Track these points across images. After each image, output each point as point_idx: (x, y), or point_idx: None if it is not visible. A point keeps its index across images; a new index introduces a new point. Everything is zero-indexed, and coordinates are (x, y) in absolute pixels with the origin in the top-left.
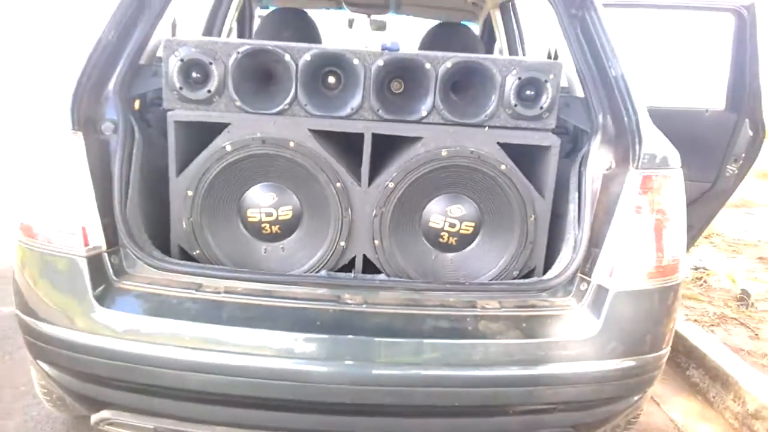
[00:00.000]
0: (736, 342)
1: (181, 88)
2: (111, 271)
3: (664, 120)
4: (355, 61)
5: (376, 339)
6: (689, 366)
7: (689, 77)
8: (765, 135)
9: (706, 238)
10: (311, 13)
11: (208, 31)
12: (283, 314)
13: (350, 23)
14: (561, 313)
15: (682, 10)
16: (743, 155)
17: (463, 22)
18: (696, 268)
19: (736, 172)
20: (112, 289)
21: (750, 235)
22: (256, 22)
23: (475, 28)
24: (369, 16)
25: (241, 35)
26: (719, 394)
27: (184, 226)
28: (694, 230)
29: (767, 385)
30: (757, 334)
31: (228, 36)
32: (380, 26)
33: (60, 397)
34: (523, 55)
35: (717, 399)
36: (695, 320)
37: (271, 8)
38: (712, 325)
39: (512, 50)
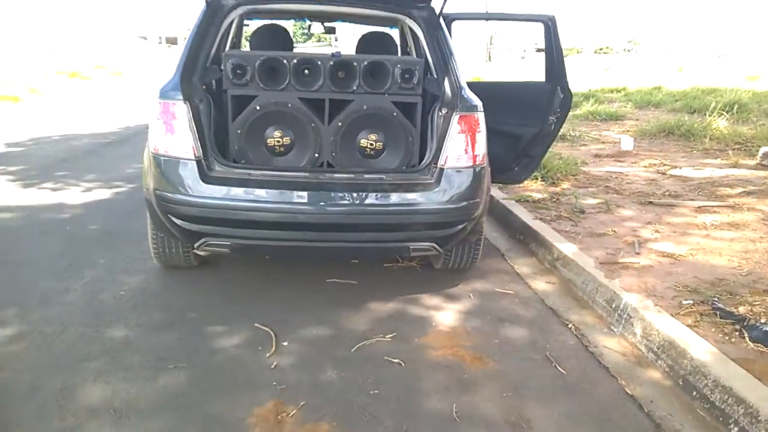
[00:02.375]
0: (562, 228)
1: (231, 78)
2: (205, 167)
3: (512, 88)
4: (319, 62)
5: (332, 193)
6: (529, 242)
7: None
8: (572, 97)
9: (573, 175)
10: (283, 23)
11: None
12: (289, 183)
13: (309, 28)
14: (423, 182)
15: (512, 21)
16: (558, 110)
17: (386, 29)
18: (554, 193)
19: (555, 121)
20: (206, 176)
21: (610, 173)
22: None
23: (395, 32)
24: (323, 23)
25: (235, 44)
26: (542, 252)
27: (236, 147)
28: (536, 160)
29: (565, 243)
30: (576, 225)
31: (228, 43)
32: (330, 30)
33: (165, 251)
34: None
35: (540, 255)
36: (541, 219)
37: (258, 22)
38: (552, 220)
39: (417, 48)
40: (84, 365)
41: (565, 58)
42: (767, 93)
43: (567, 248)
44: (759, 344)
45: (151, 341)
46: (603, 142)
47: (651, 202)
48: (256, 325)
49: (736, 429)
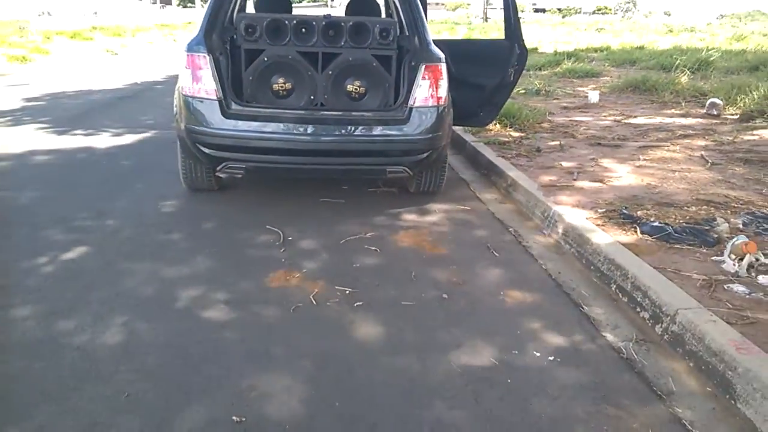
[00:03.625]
0: (519, 163)
1: (244, 35)
2: (224, 105)
3: (477, 45)
4: (314, 22)
5: (324, 126)
6: (491, 174)
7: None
8: (527, 52)
9: (539, 123)
10: None
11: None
12: (290, 118)
13: None
14: (397, 118)
15: None
16: (516, 64)
17: None
18: (519, 138)
19: (513, 72)
20: (225, 112)
21: (572, 122)
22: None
23: None
24: None
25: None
26: (500, 181)
27: (248, 91)
28: (498, 106)
29: (517, 172)
30: (531, 160)
31: (237, 7)
32: None
33: (193, 175)
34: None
35: (498, 183)
36: (502, 156)
37: None
38: (512, 158)
39: (391, 13)
40: (137, 252)
41: (521, 19)
42: (740, 52)
43: (518, 176)
44: (646, 235)
45: (187, 238)
46: (574, 97)
47: (600, 144)
48: (267, 227)
49: (614, 286)
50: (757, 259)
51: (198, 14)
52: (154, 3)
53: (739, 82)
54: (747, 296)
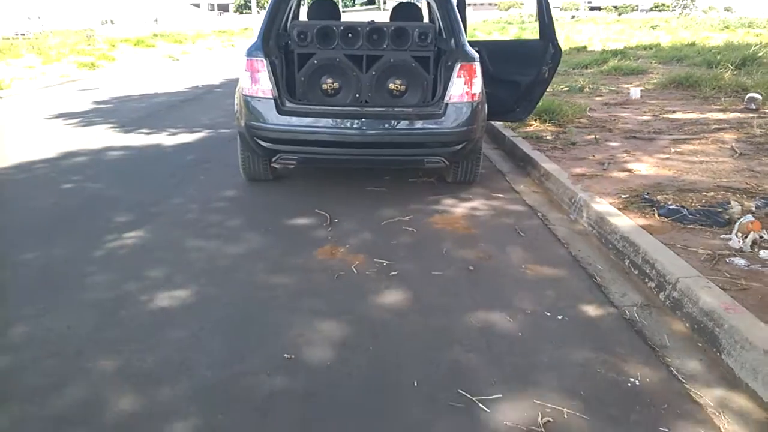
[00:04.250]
0: (553, 155)
1: (297, 41)
2: (279, 104)
3: (514, 45)
4: (359, 28)
5: (369, 121)
6: (526, 166)
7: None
8: (561, 51)
9: (579, 119)
10: None
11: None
12: (338, 114)
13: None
14: (434, 113)
15: None
16: (550, 62)
17: (414, 0)
18: (557, 132)
19: (548, 70)
20: (280, 109)
21: (611, 116)
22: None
23: (421, 2)
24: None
25: (296, 15)
26: (534, 172)
27: (300, 90)
28: (534, 102)
29: (550, 164)
30: (565, 153)
31: (290, 15)
32: (371, 1)
33: (251, 167)
34: (438, 17)
35: (532, 174)
36: (538, 149)
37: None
38: (547, 150)
39: (433, 19)
40: (201, 231)
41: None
42: None
43: (551, 167)
44: (662, 217)
45: (245, 219)
46: (617, 93)
47: (634, 137)
48: (316, 210)
49: (627, 261)
50: (762, 237)
51: (254, 20)
52: (212, 10)
53: None
54: (745, 268)
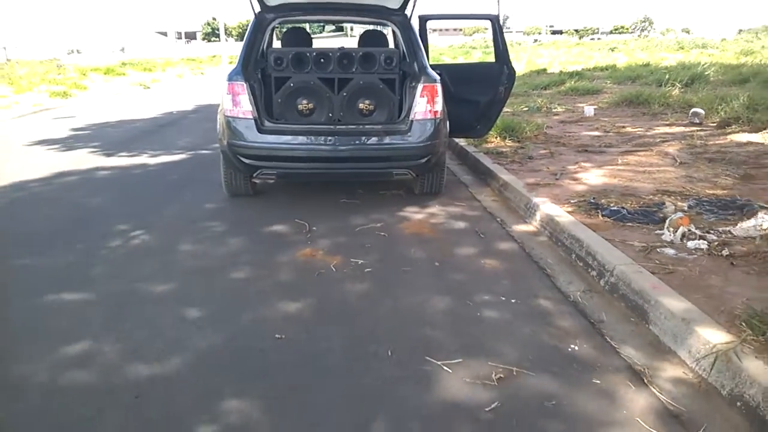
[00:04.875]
0: (511, 168)
1: (273, 66)
2: (259, 123)
3: (473, 68)
4: (330, 54)
5: (341, 137)
6: (487, 178)
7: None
8: (515, 72)
9: (536, 135)
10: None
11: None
12: (313, 132)
13: (322, 29)
14: (400, 129)
15: (467, 19)
16: (506, 82)
17: (379, 28)
18: (516, 147)
19: (504, 89)
20: (260, 129)
21: (566, 133)
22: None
23: (387, 29)
24: (334, 24)
25: (270, 42)
26: (493, 183)
27: (278, 111)
28: (492, 119)
29: (508, 175)
30: (522, 165)
31: (266, 43)
32: (339, 29)
33: (233, 183)
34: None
35: (492, 185)
36: (498, 163)
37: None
38: (506, 164)
39: (398, 44)
40: (190, 236)
41: (506, 44)
42: (737, 66)
43: (509, 178)
44: (606, 217)
45: (230, 227)
46: (572, 112)
47: (586, 150)
48: (295, 220)
49: (573, 255)
50: (690, 230)
51: (222, 48)
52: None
53: (725, 93)
54: (674, 256)
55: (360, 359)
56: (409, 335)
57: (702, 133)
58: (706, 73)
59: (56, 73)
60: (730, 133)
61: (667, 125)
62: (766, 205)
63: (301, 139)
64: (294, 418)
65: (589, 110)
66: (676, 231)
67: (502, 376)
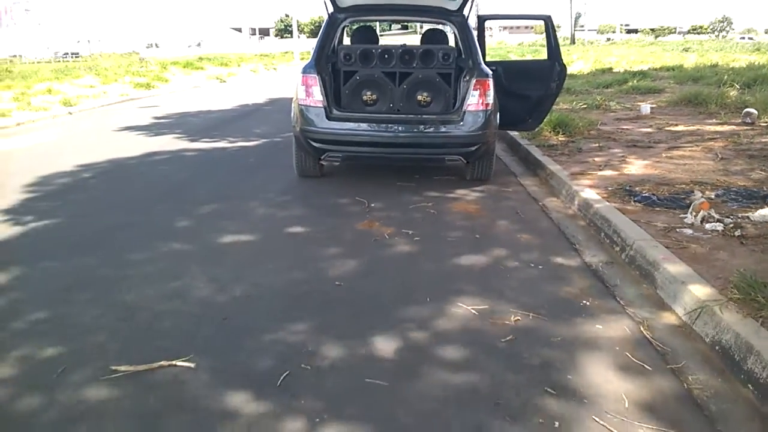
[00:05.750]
0: (559, 159)
1: (342, 61)
2: (328, 111)
3: (526, 64)
4: (393, 50)
5: (401, 126)
6: (536, 169)
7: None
8: (566, 68)
9: (589, 131)
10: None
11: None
12: (376, 120)
13: (390, 27)
14: (454, 119)
15: (521, 20)
16: (557, 78)
17: (441, 27)
18: (567, 141)
19: (555, 85)
20: (329, 116)
21: (619, 129)
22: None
23: (447, 28)
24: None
25: (341, 39)
26: (541, 172)
27: (345, 101)
28: (544, 113)
29: (555, 166)
30: (570, 158)
31: (339, 40)
32: (405, 26)
33: (304, 164)
34: (458, 40)
35: (540, 174)
36: (547, 155)
37: (356, 26)
38: (554, 156)
39: (456, 42)
40: (265, 204)
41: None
42: None
43: (555, 168)
44: (638, 203)
45: (299, 202)
46: (630, 110)
47: (635, 145)
48: (356, 198)
49: (602, 234)
50: (709, 214)
51: (294, 44)
52: (253, 34)
53: None
54: (690, 235)
55: (403, 302)
56: (445, 287)
57: (751, 132)
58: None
59: (139, 66)
60: None
61: (719, 124)
62: None
63: (365, 126)
64: (345, 340)
65: (645, 108)
66: (697, 215)
67: (519, 318)
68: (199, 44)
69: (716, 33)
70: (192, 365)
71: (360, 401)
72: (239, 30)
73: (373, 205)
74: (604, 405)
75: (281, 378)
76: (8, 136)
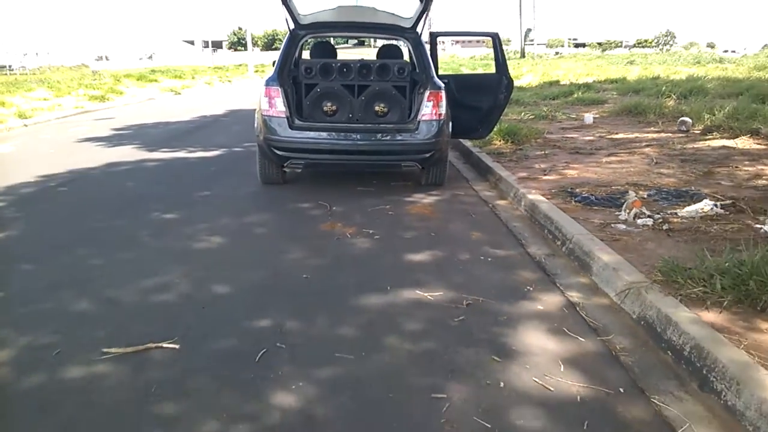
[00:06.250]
0: (508, 165)
1: (304, 74)
2: (290, 121)
3: (476, 77)
4: (351, 65)
5: (360, 134)
6: (486, 174)
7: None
8: (513, 82)
9: (535, 139)
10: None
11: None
12: (336, 129)
13: (346, 41)
14: (409, 128)
15: (470, 36)
16: (504, 91)
17: (395, 42)
18: (515, 149)
19: (503, 96)
20: (291, 126)
21: (564, 138)
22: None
23: (401, 44)
24: (356, 41)
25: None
26: (491, 177)
27: (307, 112)
28: (493, 122)
29: (504, 171)
30: (517, 164)
31: (299, 55)
32: (361, 43)
33: (267, 171)
34: (412, 55)
35: (490, 179)
36: (497, 161)
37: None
38: (503, 162)
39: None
40: (229, 210)
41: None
42: (738, 80)
43: (504, 173)
44: (578, 203)
45: (264, 205)
46: (575, 120)
47: (577, 152)
48: (319, 202)
49: (546, 231)
50: (641, 211)
51: (248, 57)
52: (206, 47)
53: (716, 104)
54: (623, 230)
55: (366, 291)
56: (404, 278)
57: (685, 138)
58: (708, 86)
59: (92, 79)
60: (709, 139)
61: (657, 132)
62: (711, 195)
63: (325, 135)
64: (315, 323)
65: (588, 118)
66: (630, 212)
67: (470, 302)
68: (150, 57)
69: (660, 46)
70: (177, 346)
71: (330, 371)
72: (192, 42)
73: (334, 208)
74: (543, 369)
75: (259, 355)
76: None
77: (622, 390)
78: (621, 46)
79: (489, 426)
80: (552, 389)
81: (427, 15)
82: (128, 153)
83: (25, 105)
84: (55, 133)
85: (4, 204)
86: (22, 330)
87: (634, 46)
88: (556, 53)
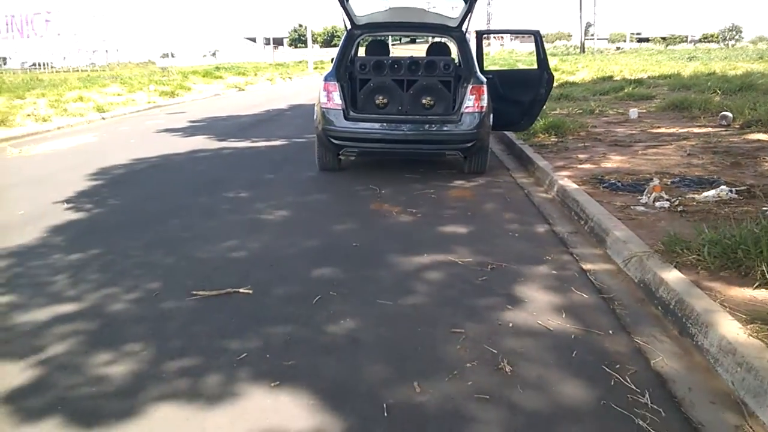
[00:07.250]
0: (547, 156)
1: (358, 70)
2: (346, 113)
3: (519, 72)
4: (402, 61)
5: (408, 125)
6: (526, 164)
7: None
8: (553, 77)
9: (578, 132)
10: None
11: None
12: (387, 120)
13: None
14: (453, 119)
15: (512, 34)
16: (545, 84)
17: (443, 40)
18: (557, 141)
19: (544, 91)
20: (346, 117)
21: (606, 131)
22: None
23: (449, 41)
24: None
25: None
26: (530, 167)
27: (361, 104)
28: (534, 115)
29: (542, 161)
30: (556, 155)
31: (356, 52)
32: (412, 41)
33: (324, 159)
34: (460, 55)
35: (529, 168)
36: (537, 152)
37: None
38: (543, 153)
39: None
40: (292, 190)
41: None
42: None
43: (542, 162)
44: (606, 189)
45: (321, 188)
46: (621, 115)
47: (617, 144)
48: (369, 186)
49: (572, 213)
50: (660, 195)
51: (308, 54)
52: (267, 44)
53: (761, 100)
54: (641, 211)
55: (407, 257)
56: (439, 246)
57: (724, 132)
58: (759, 82)
59: (161, 75)
60: (747, 133)
61: (698, 127)
62: (730, 182)
63: (377, 125)
64: (361, 278)
65: (634, 113)
66: (651, 196)
67: (494, 266)
68: (214, 54)
69: (726, 41)
70: (250, 291)
71: (372, 311)
72: (253, 40)
73: (383, 191)
74: (547, 315)
75: (315, 299)
76: (53, 138)
77: (611, 332)
78: (686, 41)
79: (495, 351)
80: (551, 329)
81: (471, 14)
82: (203, 142)
83: (101, 100)
84: (133, 125)
85: (102, 182)
86: (127, 278)
87: (700, 41)
88: (617, 48)
